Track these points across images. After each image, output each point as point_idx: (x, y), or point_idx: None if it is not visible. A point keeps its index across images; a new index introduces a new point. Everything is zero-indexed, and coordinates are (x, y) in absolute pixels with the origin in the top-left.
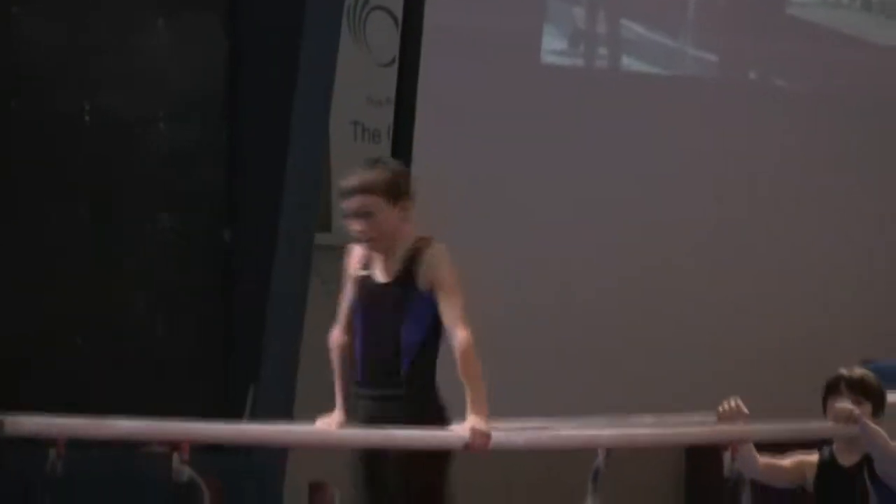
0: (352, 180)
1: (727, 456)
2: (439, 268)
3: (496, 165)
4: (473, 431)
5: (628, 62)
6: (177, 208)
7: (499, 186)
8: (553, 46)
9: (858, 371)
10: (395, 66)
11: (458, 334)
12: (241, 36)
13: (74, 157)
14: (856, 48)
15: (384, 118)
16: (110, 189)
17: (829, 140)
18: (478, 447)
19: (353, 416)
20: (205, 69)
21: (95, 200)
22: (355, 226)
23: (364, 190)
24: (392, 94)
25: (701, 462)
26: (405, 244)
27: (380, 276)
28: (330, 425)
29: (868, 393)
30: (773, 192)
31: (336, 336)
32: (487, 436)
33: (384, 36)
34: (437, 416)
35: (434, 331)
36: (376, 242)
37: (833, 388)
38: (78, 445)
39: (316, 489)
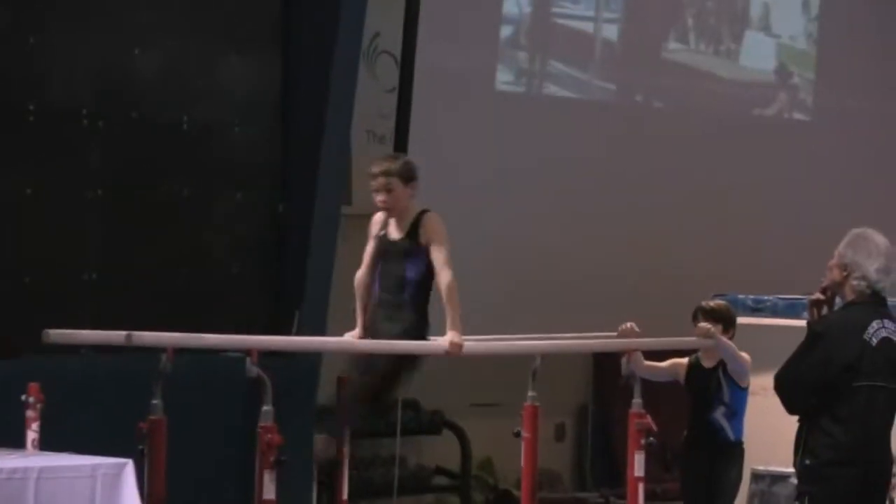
0: (378, 165)
1: (624, 360)
2: (434, 228)
3: (466, 155)
4: (451, 343)
5: (553, 89)
6: (247, 187)
7: (471, 166)
8: (503, 78)
9: (713, 302)
10: (396, 91)
11: (444, 274)
12: (290, 68)
13: (176, 153)
14: (708, 79)
15: (388, 127)
16: (201, 174)
17: (687, 141)
18: (454, 353)
19: (373, 324)
20: (265, 89)
21: (192, 182)
22: (379, 198)
23: (386, 173)
24: (393, 110)
25: (604, 365)
26: (412, 213)
27: (393, 235)
28: (353, 337)
29: (719, 317)
30: (652, 177)
31: (359, 277)
32: (460, 345)
33: (388, 71)
34: (422, 329)
35: (427, 274)
36: (392, 210)
37: (696, 315)
38: (178, 352)
39: (342, 382)
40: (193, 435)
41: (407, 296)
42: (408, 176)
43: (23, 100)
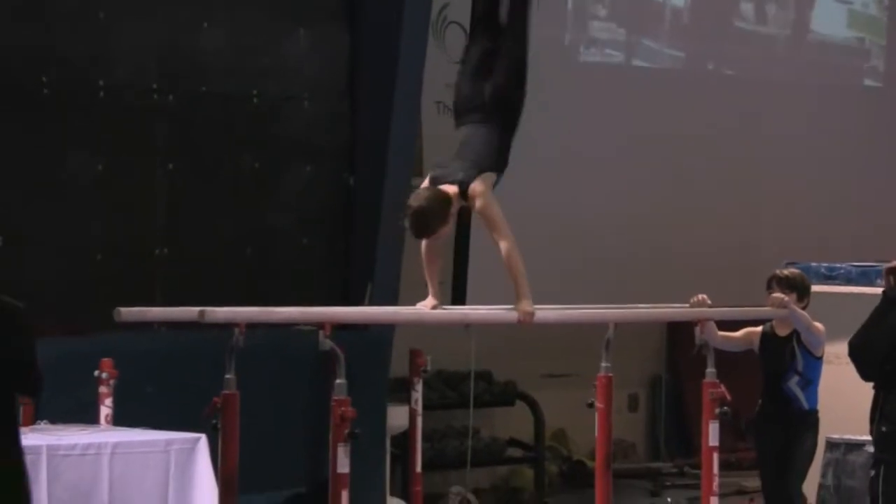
0: None
1: (697, 330)
2: (482, 203)
3: (538, 125)
4: (522, 312)
5: (623, 58)
6: (316, 161)
7: (544, 136)
8: (573, 48)
9: (786, 270)
10: None
11: (502, 244)
12: (358, 42)
13: (246, 128)
14: (778, 46)
15: None
16: (270, 148)
17: (757, 108)
18: (525, 321)
19: None
20: (334, 62)
21: (261, 156)
22: None
23: None
24: None
25: (678, 335)
26: None
27: None
28: (425, 307)
29: (793, 286)
30: (723, 146)
31: (426, 244)
32: (532, 314)
33: (457, 41)
34: None
35: None
36: None
37: (769, 283)
38: (250, 326)
39: (414, 354)
40: (266, 409)
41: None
42: None
43: (92, 76)
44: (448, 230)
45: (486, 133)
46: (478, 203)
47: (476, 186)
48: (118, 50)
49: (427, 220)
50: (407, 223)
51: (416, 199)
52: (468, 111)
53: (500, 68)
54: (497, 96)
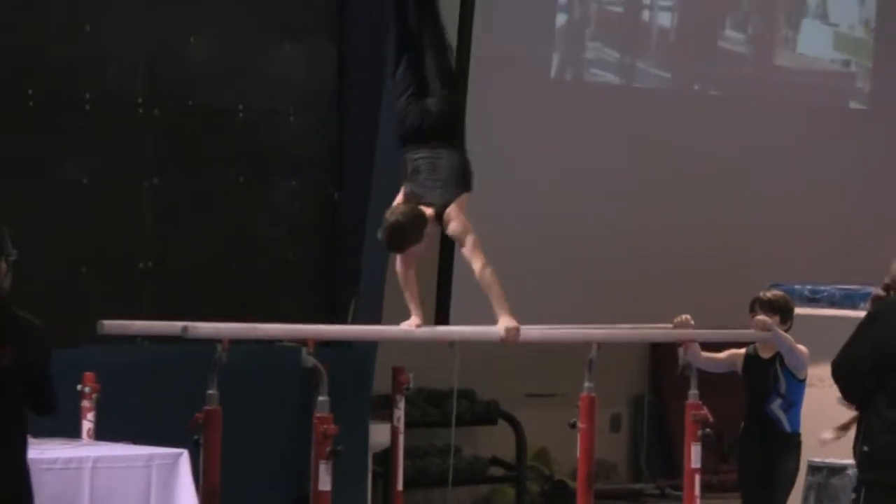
0: None
1: (680, 351)
2: (455, 219)
3: (522, 144)
4: (507, 329)
5: (609, 78)
6: (302, 175)
7: (527, 155)
8: (559, 67)
9: (770, 293)
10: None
11: (477, 265)
12: (345, 56)
13: (232, 141)
14: (764, 68)
15: None
16: (256, 162)
17: (743, 129)
18: (510, 339)
19: None
20: (320, 77)
21: (247, 170)
22: None
23: None
24: None
25: (661, 355)
26: None
27: None
28: (410, 326)
29: (776, 308)
30: (707, 166)
31: (400, 269)
32: (517, 329)
33: None
34: None
35: None
36: None
37: (752, 306)
38: (234, 341)
39: (397, 371)
40: (249, 425)
41: None
42: None
43: (79, 88)
44: (420, 249)
45: (448, 156)
46: (452, 225)
47: (451, 211)
48: (104, 62)
49: (402, 234)
50: (381, 236)
51: (392, 214)
52: (420, 137)
53: (434, 82)
54: (443, 116)
